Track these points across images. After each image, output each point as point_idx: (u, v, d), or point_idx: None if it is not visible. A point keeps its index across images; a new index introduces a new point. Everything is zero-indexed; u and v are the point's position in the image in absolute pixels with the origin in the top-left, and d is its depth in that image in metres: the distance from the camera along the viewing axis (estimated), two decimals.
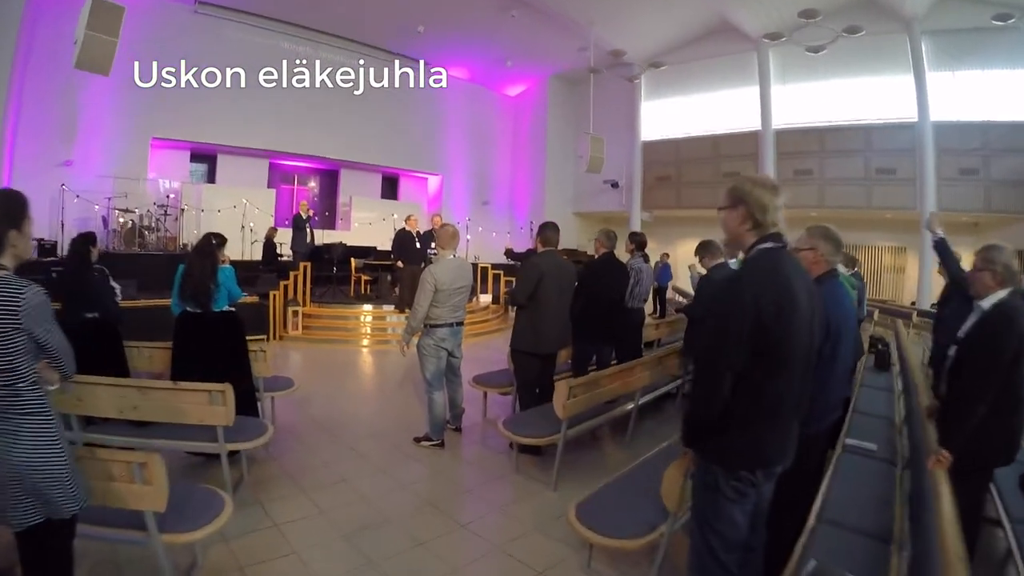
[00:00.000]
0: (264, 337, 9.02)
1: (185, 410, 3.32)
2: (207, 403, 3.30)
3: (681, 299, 15.37)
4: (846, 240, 3.15)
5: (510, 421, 4.32)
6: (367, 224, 16.17)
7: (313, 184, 17.93)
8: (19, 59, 11.37)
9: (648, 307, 7.63)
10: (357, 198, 17.71)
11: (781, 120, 15.37)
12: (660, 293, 15.00)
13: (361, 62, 17.24)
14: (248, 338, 4.64)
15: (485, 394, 5.44)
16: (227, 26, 15.06)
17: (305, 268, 9.51)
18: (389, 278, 10.77)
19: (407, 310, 9.58)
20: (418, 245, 9.61)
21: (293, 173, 17.96)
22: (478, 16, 15.77)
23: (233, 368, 4.14)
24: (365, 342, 9.31)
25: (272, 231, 11.89)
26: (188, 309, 4.16)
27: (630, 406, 4.76)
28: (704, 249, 5.40)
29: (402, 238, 9.61)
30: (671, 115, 18.13)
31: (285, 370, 7.12)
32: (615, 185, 19.06)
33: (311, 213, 10.50)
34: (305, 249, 10.47)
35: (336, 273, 10.82)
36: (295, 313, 9.08)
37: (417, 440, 4.73)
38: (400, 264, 9.55)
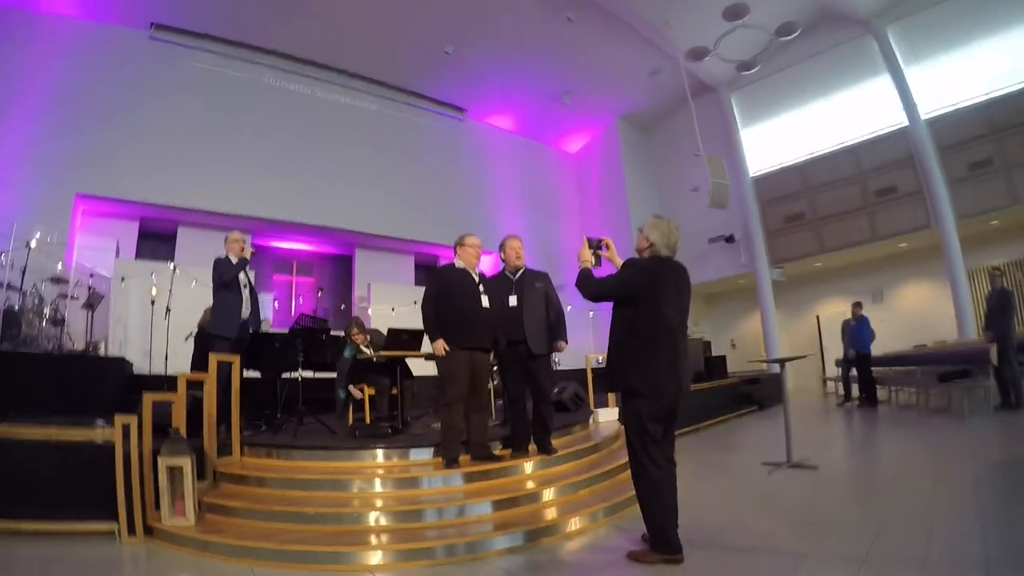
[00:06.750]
0: (112, 528, 3.56)
1: None
2: None
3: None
4: None
5: None
6: (388, 311, 11.01)
7: (321, 289, 12.76)
8: None
9: None
10: (378, 285, 12.67)
11: (931, 106, 11.20)
12: (861, 363, 9.41)
13: (373, 107, 13.47)
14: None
15: None
16: (194, 56, 11.00)
17: (227, 369, 4.16)
18: (393, 390, 5.40)
19: (455, 466, 4.04)
20: (485, 302, 4.31)
21: (290, 259, 13.24)
22: (524, 25, 11.54)
23: None
24: (375, 557, 3.22)
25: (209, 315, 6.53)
26: None
27: None
28: None
29: (442, 284, 4.33)
30: (782, 137, 13.48)
31: None
32: (730, 239, 13.76)
33: (249, 252, 5.14)
34: (233, 331, 4.92)
35: (301, 376, 5.39)
36: (172, 472, 3.55)
37: None
38: (439, 349, 4.10)
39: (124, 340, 8.67)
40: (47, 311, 7.43)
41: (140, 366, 8.01)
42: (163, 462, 3.51)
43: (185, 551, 3.41)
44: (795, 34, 9.51)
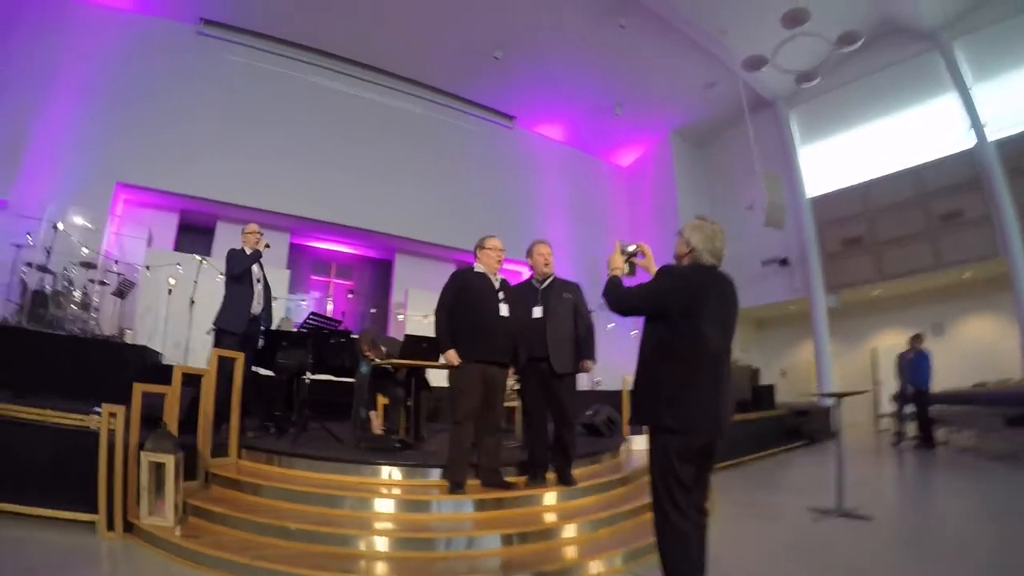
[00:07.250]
0: (95, 519, 3.34)
1: None
2: None
3: None
4: None
5: None
6: (421, 318, 10.79)
7: (351, 292, 12.52)
8: None
9: None
10: (416, 291, 12.47)
11: (1000, 126, 10.25)
12: (919, 401, 8.67)
13: (418, 110, 13.38)
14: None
15: None
16: (239, 52, 11.14)
17: (230, 366, 3.94)
18: (408, 401, 5.07)
19: (459, 491, 3.61)
20: (503, 310, 3.88)
21: (330, 261, 13.19)
22: (575, 31, 11.23)
23: None
24: None
25: None
26: None
27: None
28: None
29: (458, 288, 3.98)
30: (841, 156, 12.70)
31: None
32: (784, 263, 13.03)
33: (264, 244, 4.90)
34: (241, 326, 4.67)
35: (310, 380, 5.03)
36: (157, 467, 3.35)
37: None
38: (452, 359, 3.74)
39: (153, 329, 8.69)
40: (76, 295, 7.45)
41: (168, 356, 8.00)
42: (145, 457, 3.26)
43: (160, 553, 3.17)
44: (857, 44, 8.84)
